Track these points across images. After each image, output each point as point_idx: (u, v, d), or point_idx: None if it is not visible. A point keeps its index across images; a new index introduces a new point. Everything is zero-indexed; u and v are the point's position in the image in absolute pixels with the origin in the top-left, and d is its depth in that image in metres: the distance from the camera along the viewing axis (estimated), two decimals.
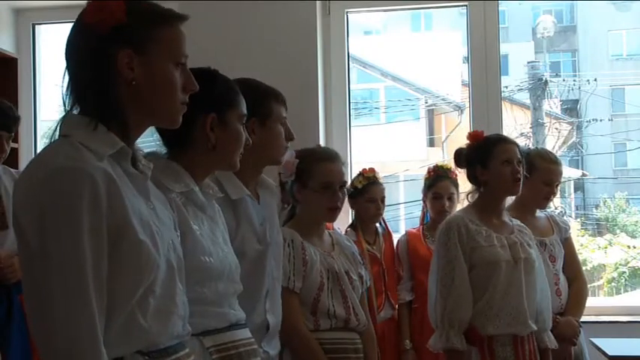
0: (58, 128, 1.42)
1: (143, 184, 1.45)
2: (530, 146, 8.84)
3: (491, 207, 2.80)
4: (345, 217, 3.70)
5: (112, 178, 1.33)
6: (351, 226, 3.47)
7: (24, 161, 3.98)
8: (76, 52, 1.44)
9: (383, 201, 3.43)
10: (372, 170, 3.43)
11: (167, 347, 1.42)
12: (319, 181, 2.49)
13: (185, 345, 1.51)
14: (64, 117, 1.43)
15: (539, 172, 3.15)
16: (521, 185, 2.79)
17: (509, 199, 3.01)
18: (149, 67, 1.43)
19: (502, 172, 2.75)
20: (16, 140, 3.66)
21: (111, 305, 1.31)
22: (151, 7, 1.48)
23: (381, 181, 3.45)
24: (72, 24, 1.47)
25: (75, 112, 1.43)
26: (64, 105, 1.44)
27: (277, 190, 2.34)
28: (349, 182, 3.41)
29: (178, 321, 1.45)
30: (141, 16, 1.44)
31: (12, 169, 3.25)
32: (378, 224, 3.48)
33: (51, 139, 1.42)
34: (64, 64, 1.47)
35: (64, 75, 1.46)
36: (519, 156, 2.79)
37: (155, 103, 1.46)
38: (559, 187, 3.25)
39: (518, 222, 2.92)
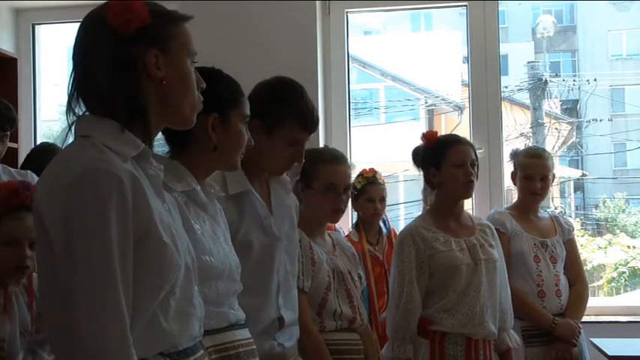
0: (72, 128, 1.40)
1: (159, 185, 1.45)
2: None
3: (447, 210, 2.76)
4: (346, 218, 3.69)
5: (137, 180, 1.33)
6: (354, 226, 3.47)
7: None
8: (98, 54, 1.39)
9: (382, 201, 3.40)
10: (372, 170, 3.42)
11: (186, 349, 1.43)
12: (323, 182, 2.48)
13: (200, 346, 1.51)
14: (80, 118, 1.41)
15: (520, 169, 3.17)
16: (473, 188, 2.73)
17: (509, 200, 3.01)
18: (174, 65, 1.43)
19: (454, 174, 2.69)
20: (15, 140, 3.67)
21: (134, 307, 1.30)
22: (164, 7, 1.48)
23: (381, 181, 3.43)
24: (77, 25, 1.44)
25: (87, 113, 1.41)
26: (68, 105, 1.41)
27: (291, 185, 2.32)
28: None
29: (196, 322, 1.46)
30: (161, 15, 1.44)
31: (11, 169, 3.25)
32: (382, 225, 3.47)
33: (65, 139, 1.41)
34: (71, 64, 1.42)
35: (72, 75, 1.42)
36: (474, 157, 2.74)
37: (179, 102, 1.45)
38: (549, 182, 3.17)
39: (482, 220, 2.89)
